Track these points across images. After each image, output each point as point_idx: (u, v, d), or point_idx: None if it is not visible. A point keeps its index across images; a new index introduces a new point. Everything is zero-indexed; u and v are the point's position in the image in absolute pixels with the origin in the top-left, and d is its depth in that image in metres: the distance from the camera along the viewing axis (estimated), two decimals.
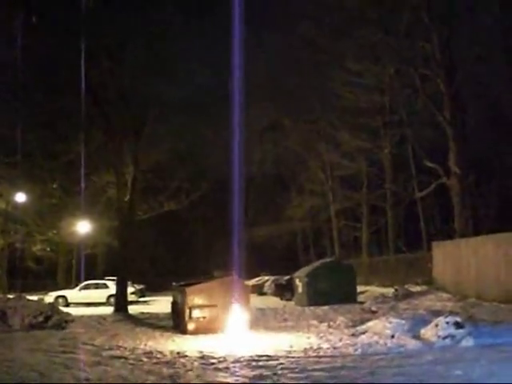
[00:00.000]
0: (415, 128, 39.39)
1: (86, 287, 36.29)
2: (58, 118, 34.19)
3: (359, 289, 31.88)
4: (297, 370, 10.95)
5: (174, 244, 59.97)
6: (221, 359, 12.47)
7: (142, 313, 26.84)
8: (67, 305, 33.66)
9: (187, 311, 18.17)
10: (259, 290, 41.28)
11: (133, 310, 27.75)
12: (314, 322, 19.65)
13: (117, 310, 26.68)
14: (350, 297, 28.55)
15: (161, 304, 30.85)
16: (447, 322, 13.78)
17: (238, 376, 10.81)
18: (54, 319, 20.13)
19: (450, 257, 27.53)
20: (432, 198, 42.21)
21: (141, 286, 40.22)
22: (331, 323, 18.58)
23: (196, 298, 18.37)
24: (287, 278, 36.19)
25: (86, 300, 34.92)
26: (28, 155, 38.52)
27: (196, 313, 18.18)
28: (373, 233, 50.20)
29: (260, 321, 20.82)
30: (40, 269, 50.67)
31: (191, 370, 11.38)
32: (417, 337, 13.78)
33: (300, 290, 30.10)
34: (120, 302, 27.43)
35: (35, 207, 43.15)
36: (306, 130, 49.83)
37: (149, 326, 20.97)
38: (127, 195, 28.14)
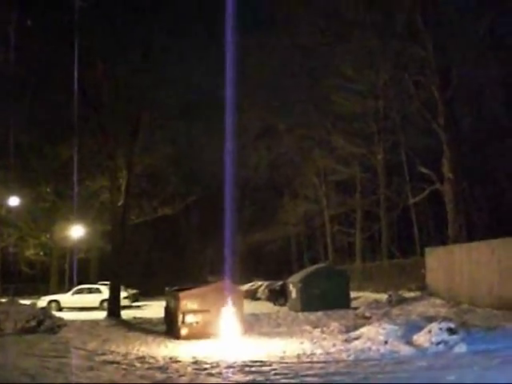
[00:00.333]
0: (409, 134, 39.53)
1: (79, 292, 36.17)
2: (52, 121, 34.13)
3: (353, 294, 31.85)
4: (290, 376, 10.94)
5: (167, 249, 59.84)
6: (214, 364, 12.45)
7: (135, 318, 26.79)
8: (60, 309, 33.53)
9: (180, 316, 18.15)
10: (253, 296, 41.21)
11: (126, 314, 27.67)
12: (308, 328, 19.63)
13: (110, 315, 26.58)
14: (343, 302, 28.51)
15: (154, 309, 30.77)
16: (440, 328, 13.79)
17: (230, 381, 10.80)
18: (46, 323, 20.03)
19: (444, 262, 27.54)
20: (425, 203, 42.34)
21: (134, 291, 40.12)
22: (324, 329, 18.56)
23: (189, 303, 18.36)
24: (281, 283, 36.15)
25: (79, 304, 34.80)
26: (21, 158, 38.41)
27: (189, 318, 18.17)
28: (366, 238, 50.23)
29: (253, 326, 20.80)
30: (33, 273, 50.50)
31: (184, 376, 11.36)
32: (410, 343, 13.78)
33: (293, 295, 30.07)
34: (113, 306, 27.34)
35: (28, 211, 43.02)
36: (301, 135, 49.80)
37: (142, 331, 20.93)
38: (121, 199, 28.07)
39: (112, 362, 13.06)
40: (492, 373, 10.31)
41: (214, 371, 11.73)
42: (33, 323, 19.65)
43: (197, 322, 18.17)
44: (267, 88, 47.10)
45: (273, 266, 59.31)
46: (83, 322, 24.21)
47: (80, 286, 37.02)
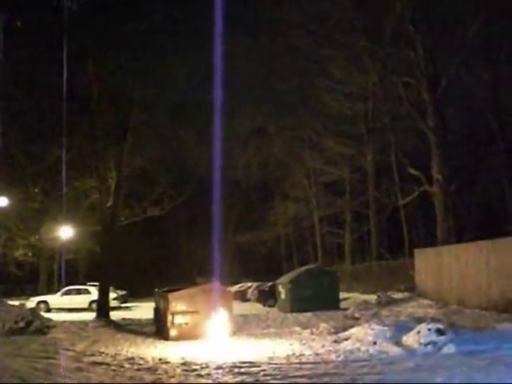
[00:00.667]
0: (398, 135, 39.66)
1: (68, 293, 36.05)
2: (41, 121, 33.96)
3: (342, 295, 31.96)
4: (279, 377, 10.95)
5: (156, 250, 59.74)
6: (203, 365, 12.44)
7: (124, 319, 26.72)
8: (49, 310, 33.42)
9: (170, 317, 18.13)
10: (242, 297, 41.23)
11: (115, 315, 27.59)
12: (297, 329, 19.66)
13: (99, 316, 26.49)
14: (332, 303, 28.58)
15: (143, 310, 30.72)
16: (429, 329, 13.83)
17: (220, 382, 10.80)
18: (35, 325, 19.97)
19: (432, 264, 27.65)
20: (414, 205, 42.48)
21: (123, 292, 40.03)
22: (314, 330, 18.59)
23: (178, 304, 18.34)
24: (270, 284, 36.17)
25: (68, 305, 34.70)
26: (10, 159, 38.23)
27: (178, 319, 18.15)
28: (356, 239, 50.36)
29: (243, 327, 20.81)
30: (21, 274, 50.24)
31: (173, 377, 11.35)
32: (399, 343, 13.82)
33: (283, 296, 30.10)
34: (102, 307, 27.25)
35: (17, 211, 42.79)
36: (291, 136, 49.93)
37: (131, 332, 20.88)
38: (110, 200, 27.99)
39: (101, 364, 13.03)
40: (480, 374, 10.35)
41: (203, 372, 11.72)
42: (21, 324, 19.59)
43: (186, 323, 18.15)
44: (257, 89, 47.16)
45: (262, 267, 59.40)
46: (72, 323, 24.11)
47: (69, 287, 36.89)
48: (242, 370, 11.81)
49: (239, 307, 28.01)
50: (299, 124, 48.00)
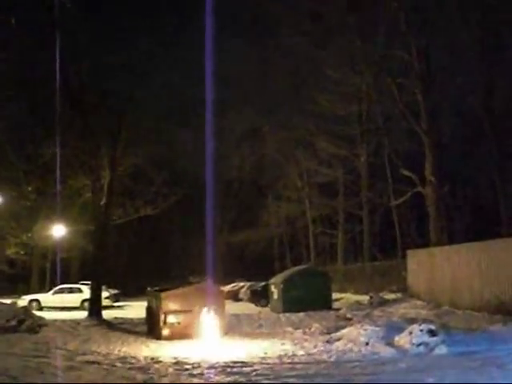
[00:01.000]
0: (392, 136, 39.66)
1: (60, 291, 35.97)
2: (34, 119, 33.89)
3: (334, 296, 31.99)
4: (271, 377, 10.97)
5: (149, 249, 59.64)
6: (195, 365, 12.45)
7: (116, 318, 26.67)
8: (41, 309, 33.32)
9: (162, 316, 18.12)
10: (235, 296, 41.21)
11: (107, 314, 27.51)
12: (289, 329, 19.69)
13: (91, 315, 26.40)
14: (325, 304, 28.62)
15: (135, 309, 30.67)
16: (421, 330, 13.88)
17: (212, 382, 10.80)
18: (27, 323, 19.91)
19: (425, 265, 27.70)
20: (407, 206, 42.52)
21: (115, 291, 39.96)
22: (306, 330, 18.63)
23: (171, 303, 18.34)
24: (263, 284, 36.17)
25: (60, 304, 34.60)
26: (3, 157, 38.09)
27: (171, 318, 18.14)
28: (348, 240, 50.41)
29: (235, 327, 20.82)
30: (13, 272, 50.05)
31: (165, 376, 11.36)
32: (391, 344, 13.86)
33: (275, 296, 30.11)
34: (94, 306, 27.17)
35: (10, 210, 42.64)
36: (284, 136, 49.92)
37: (123, 331, 20.86)
38: (103, 199, 27.93)
39: (93, 362, 13.02)
40: (472, 374, 10.40)
41: (195, 372, 11.73)
42: (13, 323, 19.53)
43: (178, 323, 18.15)
44: (250, 89, 47.15)
45: (255, 267, 59.27)
46: (64, 321, 24.03)
47: (61, 286, 36.80)
48: (235, 369, 11.83)
49: (232, 307, 28.00)
50: (293, 124, 47.98)
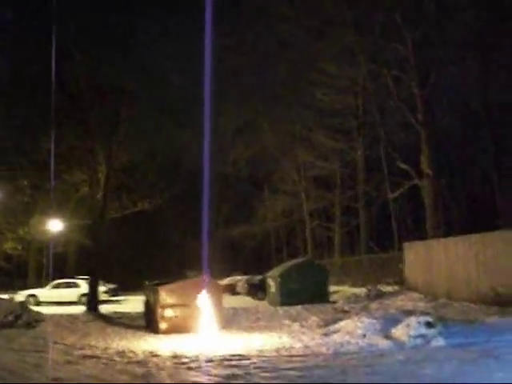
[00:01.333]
0: (388, 129, 39.68)
1: (57, 286, 35.96)
2: (30, 113, 33.79)
3: (332, 289, 32.00)
4: (269, 369, 10.99)
5: (147, 243, 59.58)
6: (193, 358, 12.47)
7: (114, 312, 26.66)
8: (38, 304, 33.31)
9: (160, 310, 18.14)
10: (232, 290, 41.20)
11: (105, 309, 27.55)
12: (287, 322, 19.71)
13: (88, 310, 26.47)
14: (322, 296, 28.63)
15: (133, 303, 30.70)
16: (418, 322, 13.91)
17: (210, 375, 10.82)
18: (24, 318, 19.94)
19: (422, 257, 27.74)
20: (404, 199, 42.60)
21: (113, 286, 39.94)
22: (303, 323, 18.66)
23: (168, 297, 18.36)
24: (260, 277, 36.18)
25: (57, 299, 34.60)
26: None
27: (168, 312, 18.17)
28: (345, 233, 50.45)
29: (232, 320, 20.84)
30: (10, 267, 50.04)
31: (163, 370, 11.37)
32: (388, 336, 13.89)
33: (273, 289, 30.13)
34: (92, 301, 27.21)
35: (6, 204, 42.57)
36: (281, 130, 49.93)
37: (121, 326, 20.88)
38: (100, 194, 27.94)
39: (91, 357, 13.04)
40: (469, 366, 10.44)
41: (193, 365, 11.75)
42: (10, 318, 19.56)
43: (176, 317, 18.17)
44: (247, 83, 47.11)
45: (252, 261, 59.44)
46: (62, 316, 24.06)
47: (58, 281, 36.77)
48: (233, 362, 11.85)
49: (229, 300, 28.01)
50: (289, 118, 48.00)
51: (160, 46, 29.53)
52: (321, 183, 50.74)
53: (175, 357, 12.84)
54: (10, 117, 35.21)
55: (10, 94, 32.84)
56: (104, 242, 29.01)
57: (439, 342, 13.13)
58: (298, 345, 14.19)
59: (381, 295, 27.85)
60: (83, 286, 32.62)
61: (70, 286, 35.78)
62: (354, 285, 37.70)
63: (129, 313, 25.43)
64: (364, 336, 13.98)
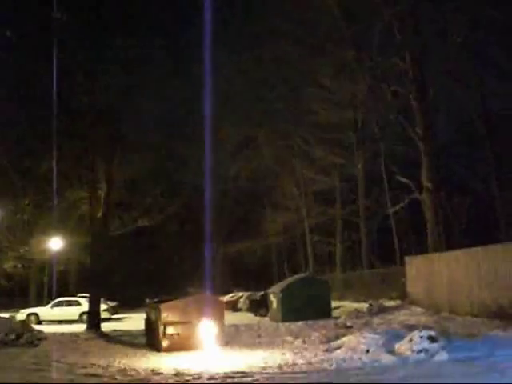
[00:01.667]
0: (388, 143, 39.74)
1: (58, 304, 35.87)
2: (31, 132, 33.87)
3: (334, 304, 31.91)
4: None
5: (147, 260, 59.55)
6: (196, 376, 12.41)
7: (115, 330, 26.60)
8: (39, 322, 33.25)
9: (161, 328, 18.06)
10: (233, 306, 41.12)
11: (106, 327, 27.47)
12: (289, 338, 19.62)
13: (89, 328, 26.37)
14: (324, 312, 28.56)
15: (134, 321, 30.61)
16: (421, 337, 13.85)
17: None
18: (25, 337, 19.87)
19: (423, 271, 27.70)
20: (405, 212, 42.57)
21: (114, 303, 39.85)
22: (306, 339, 18.58)
23: (170, 314, 18.28)
24: (261, 293, 36.09)
25: (58, 317, 34.51)
26: (0, 170, 38.03)
27: (170, 330, 18.08)
28: (347, 248, 50.39)
29: (234, 337, 20.76)
30: (11, 286, 49.96)
31: None
32: (391, 351, 13.82)
33: (274, 305, 30.05)
34: (93, 319, 27.13)
35: (7, 223, 42.57)
36: (280, 145, 50.07)
37: (122, 344, 20.80)
38: (100, 211, 27.92)
39: (93, 375, 12.97)
40: (473, 381, 10.37)
41: (195, 383, 11.69)
42: (12, 336, 19.50)
43: (178, 334, 18.08)
44: (246, 99, 47.22)
45: (253, 277, 59.32)
46: (63, 334, 24.00)
47: (59, 299, 36.69)
48: (235, 379, 11.79)
49: (230, 317, 27.94)
50: (288, 133, 48.12)
51: (161, 64, 29.62)
52: (321, 198, 50.77)
53: (177, 375, 12.77)
54: (9, 135, 35.27)
55: (11, 112, 32.91)
56: (104, 259, 28.95)
57: (442, 356, 13.07)
58: (301, 361, 14.13)
59: (383, 310, 27.78)
60: (84, 304, 32.53)
61: (71, 305, 35.69)
62: (356, 300, 37.54)
63: (130, 331, 25.36)
64: (367, 351, 13.92)
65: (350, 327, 21.65)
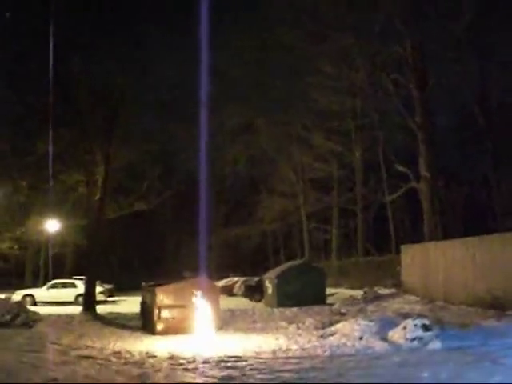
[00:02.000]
0: (386, 132, 39.72)
1: (54, 286, 35.88)
2: (28, 115, 33.76)
3: (328, 291, 32.00)
4: (265, 371, 10.98)
5: (144, 244, 59.64)
6: (190, 360, 12.45)
7: (111, 313, 26.63)
8: (35, 304, 33.24)
9: (156, 311, 18.12)
10: (229, 291, 41.16)
11: (101, 309, 27.48)
12: (283, 324, 19.69)
13: (85, 310, 26.37)
14: (319, 299, 28.65)
15: (129, 304, 30.65)
16: (415, 325, 13.90)
17: (206, 376, 10.81)
18: (21, 318, 19.91)
19: (419, 260, 27.76)
20: (402, 201, 42.64)
21: (109, 286, 39.89)
22: (300, 325, 18.64)
23: (165, 298, 18.34)
24: (257, 279, 36.16)
25: (54, 299, 34.52)
26: None
27: (165, 313, 18.14)
28: (343, 235, 50.49)
29: (229, 322, 20.81)
30: (7, 267, 49.97)
31: (160, 371, 11.35)
32: (385, 339, 13.88)
33: (270, 291, 30.13)
34: (88, 301, 27.12)
35: (3, 205, 42.51)
36: (279, 131, 49.97)
37: (117, 326, 20.84)
38: (97, 194, 27.87)
39: (87, 357, 13.01)
40: (466, 369, 10.42)
41: (189, 366, 11.73)
42: (7, 317, 19.53)
43: (173, 318, 18.14)
44: (246, 85, 47.08)
45: (249, 262, 59.44)
46: (58, 316, 24.06)
47: (55, 281, 36.71)
48: (229, 364, 11.84)
49: (226, 302, 27.97)
50: (287, 120, 48.04)
51: (159, 47, 29.50)
52: (318, 185, 50.77)
53: (172, 358, 12.82)
54: (6, 117, 35.19)
55: (7, 95, 32.80)
56: (101, 242, 28.93)
57: (436, 344, 13.12)
58: (295, 347, 14.18)
59: (378, 298, 27.87)
60: (80, 287, 32.55)
61: (67, 287, 35.70)
62: (351, 287, 37.69)
63: (125, 313, 25.41)
64: (361, 338, 13.98)
65: (345, 314, 21.72)
